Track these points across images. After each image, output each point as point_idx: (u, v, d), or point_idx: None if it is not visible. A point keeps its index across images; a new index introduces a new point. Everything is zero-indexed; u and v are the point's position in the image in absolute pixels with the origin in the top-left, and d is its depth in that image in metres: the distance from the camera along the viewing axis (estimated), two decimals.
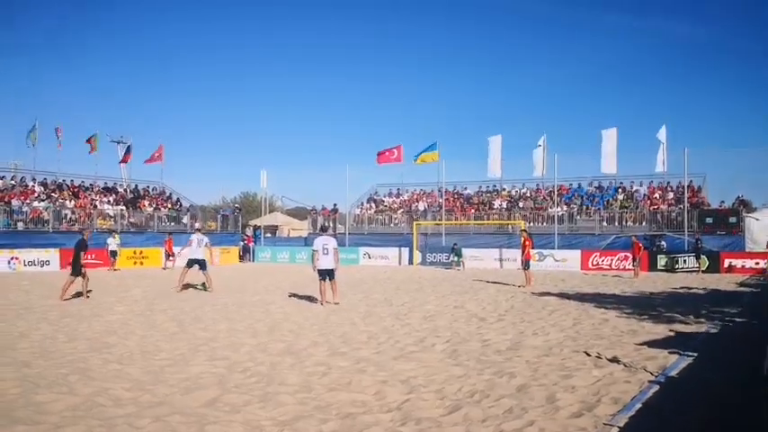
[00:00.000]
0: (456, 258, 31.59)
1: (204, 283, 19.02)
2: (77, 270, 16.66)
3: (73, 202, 35.39)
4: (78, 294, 16.77)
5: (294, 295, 17.68)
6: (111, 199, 37.82)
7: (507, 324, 12.32)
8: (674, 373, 7.87)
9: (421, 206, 40.61)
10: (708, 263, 28.25)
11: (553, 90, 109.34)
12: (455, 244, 32.48)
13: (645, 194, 35.43)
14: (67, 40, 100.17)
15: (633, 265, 26.52)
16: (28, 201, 33.20)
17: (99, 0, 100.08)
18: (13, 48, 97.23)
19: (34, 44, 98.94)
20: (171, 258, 29.83)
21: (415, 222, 36.37)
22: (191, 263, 19.00)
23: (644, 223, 33.44)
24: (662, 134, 32.25)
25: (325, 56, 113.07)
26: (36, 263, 28.54)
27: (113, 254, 29.04)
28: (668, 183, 35.41)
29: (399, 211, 40.82)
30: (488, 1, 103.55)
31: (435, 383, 7.45)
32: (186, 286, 18.92)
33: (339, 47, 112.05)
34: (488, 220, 37.00)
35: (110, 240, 29.24)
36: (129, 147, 40.04)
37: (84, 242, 17.05)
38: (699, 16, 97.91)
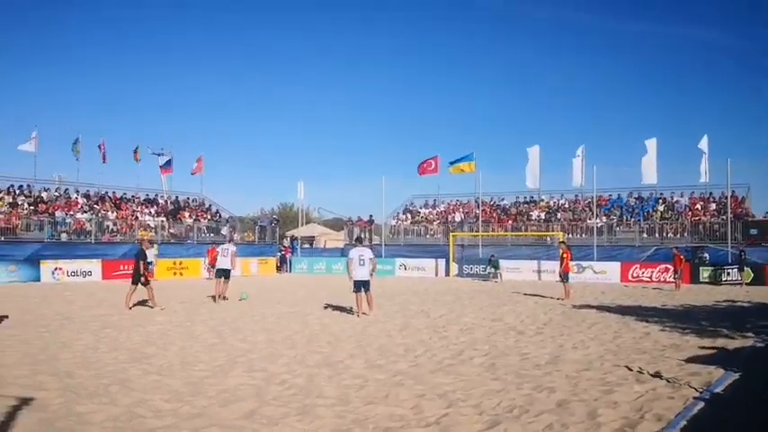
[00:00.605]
0: (493, 270, 31.35)
1: (243, 294, 19.26)
2: (137, 279, 17.07)
3: (115, 213, 36.03)
4: (143, 302, 17.22)
5: (331, 306, 17.71)
6: (152, 210, 38.42)
7: (546, 337, 12.17)
8: (719, 389, 7.66)
9: (457, 217, 40.44)
10: (752, 275, 27.58)
11: (592, 100, 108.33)
12: (492, 255, 32.26)
13: (686, 205, 34.79)
14: (111, 56, 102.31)
15: (674, 278, 26.04)
16: (71, 212, 33.90)
17: (139, 17, 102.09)
18: (58, 63, 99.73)
19: (78, 59, 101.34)
20: (214, 269, 30.07)
21: (451, 234, 36.22)
22: (218, 273, 19.59)
23: (685, 235, 32.82)
24: (704, 144, 31.73)
25: (360, 68, 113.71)
26: (79, 273, 29.12)
27: (149, 264, 29.04)
28: (710, 193, 34.71)
29: (435, 223, 40.70)
30: (527, 12, 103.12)
31: (473, 398, 7.37)
32: (223, 297, 19.07)
33: (375, 59, 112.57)
34: (526, 231, 36.69)
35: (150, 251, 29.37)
36: (170, 160, 40.60)
37: (143, 252, 17.47)
38: (740, 23, 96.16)
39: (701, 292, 23.81)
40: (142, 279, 16.78)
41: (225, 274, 19.29)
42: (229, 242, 21.21)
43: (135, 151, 39.09)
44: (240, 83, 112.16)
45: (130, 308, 16.62)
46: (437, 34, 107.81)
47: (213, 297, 19.13)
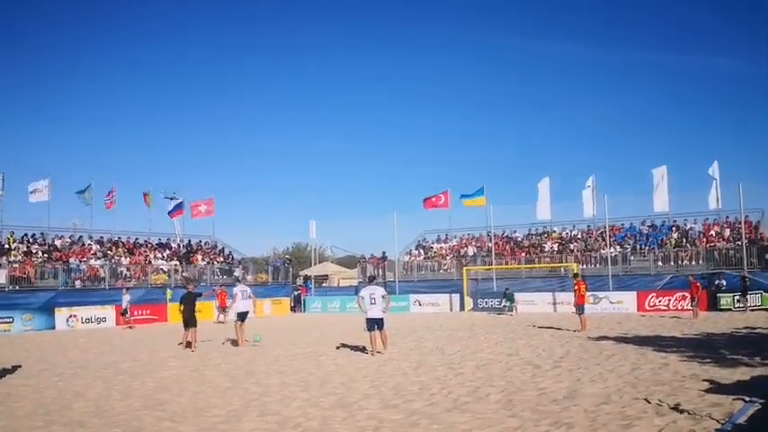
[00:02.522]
0: (508, 303, 31.08)
1: (257, 336, 19.12)
2: (193, 321, 17.49)
3: (128, 258, 36.18)
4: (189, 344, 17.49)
5: (346, 346, 17.59)
6: (164, 254, 38.56)
7: (563, 371, 12.01)
8: (741, 419, 7.48)
9: (470, 251, 40.28)
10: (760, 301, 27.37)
11: (599, 130, 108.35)
12: (507, 288, 32.05)
13: (700, 232, 34.52)
14: (119, 99, 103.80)
15: (692, 306, 25.70)
16: (85, 259, 34.07)
17: (145, 60, 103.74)
18: (70, 110, 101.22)
19: (87, 104, 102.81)
20: (224, 312, 30.00)
21: (464, 268, 36.02)
22: (239, 316, 18.69)
23: (700, 261, 32.49)
24: (714, 170, 31.60)
25: (369, 104, 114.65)
26: (93, 320, 29.14)
27: (125, 312, 28.47)
28: (726, 218, 34.40)
29: (448, 257, 40.57)
30: (534, 45, 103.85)
31: None
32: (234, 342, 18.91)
33: (384, 96, 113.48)
34: (539, 263, 36.44)
35: (124, 297, 28.63)
36: (181, 203, 40.81)
37: (191, 294, 17.69)
38: (746, 48, 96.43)
39: (719, 320, 23.49)
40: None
41: (241, 316, 18.60)
42: (240, 282, 20.97)
43: (145, 195, 39.26)
44: (249, 124, 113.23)
45: (193, 350, 17.13)
46: (446, 71, 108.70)
47: (233, 341, 18.72)
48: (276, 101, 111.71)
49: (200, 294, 17.78)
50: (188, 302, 17.68)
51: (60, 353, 18.15)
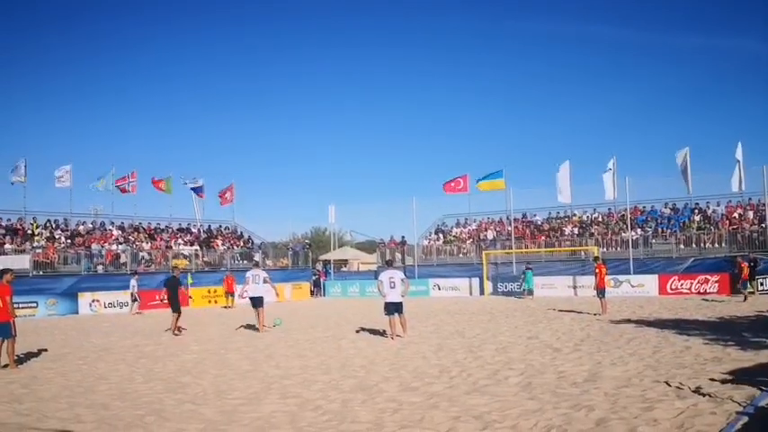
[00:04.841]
0: (525, 285, 30.87)
1: (277, 320, 19.23)
2: (176, 307, 17.65)
3: (149, 243, 36.51)
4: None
5: (365, 330, 17.64)
6: (185, 239, 38.84)
7: (583, 354, 11.96)
8: (763, 402, 7.42)
9: (489, 235, 40.15)
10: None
11: (621, 111, 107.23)
12: (527, 264, 31.89)
13: (723, 214, 34.12)
14: (141, 88, 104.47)
15: (742, 289, 25.07)
16: (107, 244, 34.42)
17: (168, 47, 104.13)
18: (96, 97, 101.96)
19: (111, 89, 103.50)
20: (230, 297, 30.22)
21: (484, 252, 35.92)
22: (251, 301, 18.38)
23: (723, 244, 32.13)
24: (738, 152, 31.21)
25: (389, 89, 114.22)
26: (115, 305, 29.49)
27: (135, 298, 28.24)
28: (749, 200, 33.94)
29: (468, 241, 40.48)
30: (554, 27, 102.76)
31: (510, 419, 7.24)
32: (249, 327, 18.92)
33: (404, 82, 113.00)
34: (559, 246, 36.28)
35: (132, 282, 28.44)
36: (201, 187, 40.92)
37: (175, 279, 17.81)
38: (767, 29, 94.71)
39: (743, 303, 23.18)
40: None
41: (254, 301, 18.23)
42: (255, 266, 20.72)
43: (160, 180, 39.24)
44: (270, 110, 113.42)
45: (177, 334, 17.33)
46: (466, 54, 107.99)
47: (250, 326, 18.66)
48: (296, 86, 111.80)
49: (180, 282, 17.92)
50: (170, 287, 17.79)
51: (84, 337, 18.39)
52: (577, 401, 7.93)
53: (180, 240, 38.46)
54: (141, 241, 36.33)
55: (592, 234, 36.26)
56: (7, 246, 30.07)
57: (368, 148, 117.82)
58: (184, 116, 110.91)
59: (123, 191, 37.55)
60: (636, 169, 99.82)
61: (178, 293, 18.06)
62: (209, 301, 32.15)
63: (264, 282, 18.45)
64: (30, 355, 14.07)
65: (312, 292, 39.01)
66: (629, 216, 34.33)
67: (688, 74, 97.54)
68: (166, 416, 7.95)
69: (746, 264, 25.48)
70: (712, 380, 8.88)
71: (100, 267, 32.73)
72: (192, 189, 40.79)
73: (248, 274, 18.97)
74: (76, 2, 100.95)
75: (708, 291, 27.74)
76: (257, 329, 18.05)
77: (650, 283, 29.81)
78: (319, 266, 43.07)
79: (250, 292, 18.39)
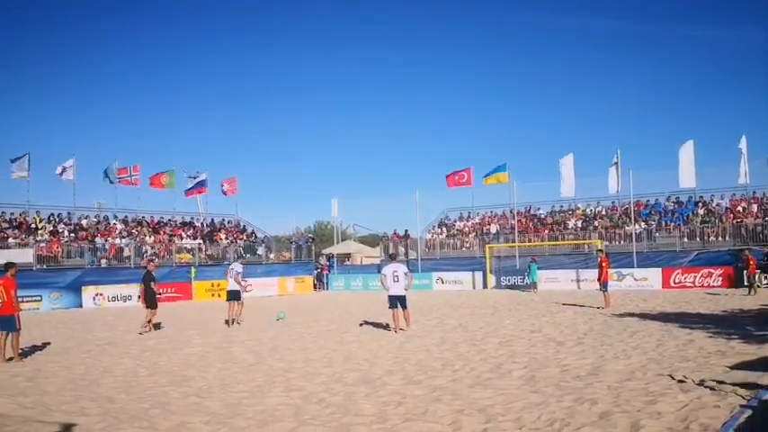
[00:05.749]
0: (530, 278, 30.77)
1: (280, 313, 19.21)
2: (154, 302, 17.30)
3: (152, 237, 36.54)
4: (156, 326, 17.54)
5: (368, 323, 17.66)
6: (188, 233, 38.86)
7: (587, 348, 11.96)
8: (767, 396, 7.43)
9: (493, 228, 40.09)
10: None
11: (624, 105, 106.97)
12: (533, 257, 31.87)
13: (727, 208, 34.03)
14: (143, 83, 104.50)
15: (749, 282, 24.97)
16: (111, 238, 34.46)
17: (172, 42, 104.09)
18: (94, 90, 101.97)
19: (115, 84, 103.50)
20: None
21: (487, 245, 35.90)
22: (228, 296, 18.53)
23: (727, 238, 32.07)
24: (742, 144, 31.12)
25: (392, 82, 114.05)
26: (119, 298, 29.58)
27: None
28: (754, 193, 33.82)
29: (471, 235, 40.45)
30: (557, 21, 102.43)
31: (513, 412, 7.25)
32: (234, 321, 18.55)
33: (406, 74, 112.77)
34: (563, 240, 36.22)
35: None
36: (203, 180, 40.89)
37: (150, 274, 17.60)
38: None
39: (747, 297, 23.13)
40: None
41: (234, 296, 18.27)
42: (236, 261, 20.24)
43: (160, 174, 39.16)
44: (272, 103, 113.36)
45: (143, 332, 16.90)
46: (470, 47, 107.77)
47: (226, 321, 18.36)
48: (299, 79, 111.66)
49: (153, 278, 17.64)
50: (145, 282, 17.56)
51: (88, 330, 18.45)
52: (581, 395, 7.94)
53: (183, 234, 38.48)
54: (145, 235, 36.36)
55: (595, 227, 36.20)
56: (11, 240, 30.13)
57: (371, 142, 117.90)
58: (188, 111, 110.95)
59: (125, 183, 37.55)
60: (639, 162, 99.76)
61: (154, 289, 17.65)
62: (213, 295, 32.18)
63: (235, 277, 18.43)
64: (34, 349, 14.13)
65: (315, 286, 39.03)
66: (632, 209, 34.28)
67: (691, 66, 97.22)
68: (171, 409, 7.98)
69: (754, 258, 25.37)
70: (718, 373, 8.87)
71: (103, 261, 32.77)
72: (190, 188, 40.72)
73: (229, 267, 19.29)
74: None
75: (711, 284, 27.68)
76: (228, 323, 18.11)
77: (654, 276, 29.77)
78: (322, 260, 43.06)
79: (229, 285, 18.61)
